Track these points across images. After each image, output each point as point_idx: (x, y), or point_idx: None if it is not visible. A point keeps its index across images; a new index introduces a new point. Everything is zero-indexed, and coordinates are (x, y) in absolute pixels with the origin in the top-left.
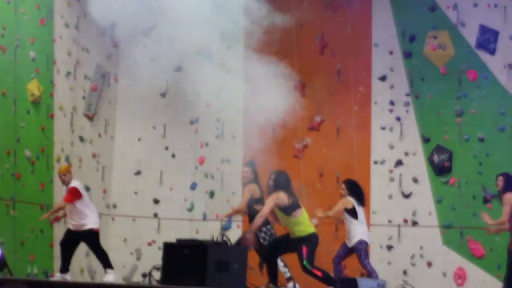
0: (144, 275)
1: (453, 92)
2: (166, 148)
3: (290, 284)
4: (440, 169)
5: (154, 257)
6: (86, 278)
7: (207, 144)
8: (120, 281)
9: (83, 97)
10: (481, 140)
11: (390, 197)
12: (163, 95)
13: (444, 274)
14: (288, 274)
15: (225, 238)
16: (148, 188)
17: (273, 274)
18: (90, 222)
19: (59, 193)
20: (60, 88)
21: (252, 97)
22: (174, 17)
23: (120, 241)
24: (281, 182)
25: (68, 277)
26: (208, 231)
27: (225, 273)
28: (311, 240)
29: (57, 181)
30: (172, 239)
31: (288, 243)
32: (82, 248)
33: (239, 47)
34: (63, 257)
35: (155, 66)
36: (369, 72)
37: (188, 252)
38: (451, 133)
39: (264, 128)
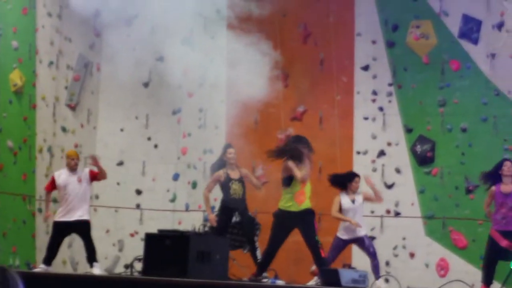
0: (126, 266)
1: (436, 82)
2: (149, 139)
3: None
4: (423, 159)
5: (136, 248)
6: (68, 270)
7: (189, 135)
8: (102, 272)
9: (66, 87)
10: (464, 130)
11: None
12: (145, 85)
13: (427, 265)
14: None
15: (206, 229)
16: (130, 179)
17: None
18: (86, 212)
19: (42, 183)
20: (42, 78)
21: (235, 87)
22: (156, 6)
23: (102, 232)
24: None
25: (50, 268)
26: (190, 222)
27: (207, 263)
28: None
29: (39, 172)
30: (154, 230)
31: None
32: (64, 239)
33: (221, 36)
34: (54, 251)
35: (137, 55)
36: (352, 62)
37: (169, 242)
38: (434, 123)
39: (247, 118)
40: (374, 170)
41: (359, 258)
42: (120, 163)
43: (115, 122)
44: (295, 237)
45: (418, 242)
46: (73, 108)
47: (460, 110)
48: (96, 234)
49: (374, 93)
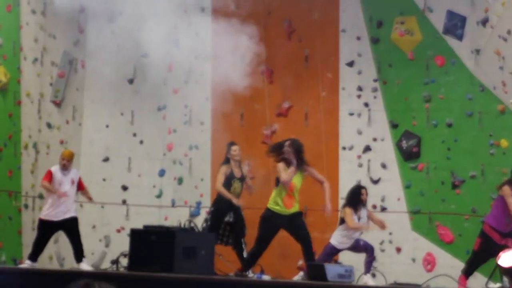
0: (113, 262)
1: (421, 77)
2: (134, 135)
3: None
4: (409, 154)
5: (123, 244)
6: (55, 265)
7: (175, 131)
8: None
9: (51, 84)
10: (449, 125)
11: (359, 183)
12: (130, 81)
13: (413, 260)
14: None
15: (192, 225)
16: (116, 175)
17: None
18: (73, 209)
19: (27, 180)
20: (27, 75)
21: (220, 83)
22: (140, 2)
23: (89, 227)
24: None
25: (36, 264)
26: (177, 218)
27: (192, 259)
28: None
29: (25, 168)
30: (141, 225)
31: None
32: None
33: (206, 33)
34: (41, 248)
35: (122, 52)
36: (337, 58)
37: (155, 238)
38: (419, 118)
39: (232, 114)
40: (360, 165)
41: (345, 254)
42: (106, 159)
43: (100, 119)
44: (281, 233)
45: (405, 237)
46: (58, 104)
47: (445, 106)
48: (82, 230)
49: (359, 89)
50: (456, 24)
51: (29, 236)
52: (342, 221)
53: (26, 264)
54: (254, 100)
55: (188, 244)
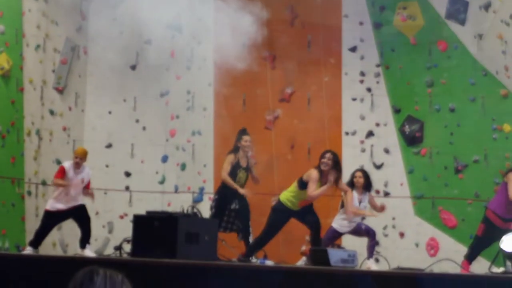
0: (116, 248)
1: (424, 62)
2: (137, 121)
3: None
4: (411, 139)
5: (126, 230)
6: (58, 252)
7: (177, 117)
8: (94, 254)
9: (53, 70)
10: (452, 110)
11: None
12: (133, 67)
13: (417, 245)
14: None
15: (195, 210)
16: (119, 161)
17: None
18: (80, 199)
19: (30, 166)
20: (29, 62)
21: (223, 69)
22: None
23: (92, 214)
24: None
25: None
26: (180, 204)
27: (195, 245)
28: None
29: (28, 155)
30: (144, 211)
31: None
32: None
33: (209, 18)
34: (43, 237)
35: (124, 38)
36: (340, 43)
37: (158, 224)
38: (422, 103)
39: (235, 99)
40: (363, 150)
41: (348, 239)
42: (109, 146)
43: (103, 105)
44: None
45: (408, 222)
46: (60, 91)
47: (448, 91)
48: None
49: (362, 74)
50: (458, 9)
51: (32, 223)
52: (343, 204)
53: (28, 250)
54: (257, 85)
55: (191, 230)
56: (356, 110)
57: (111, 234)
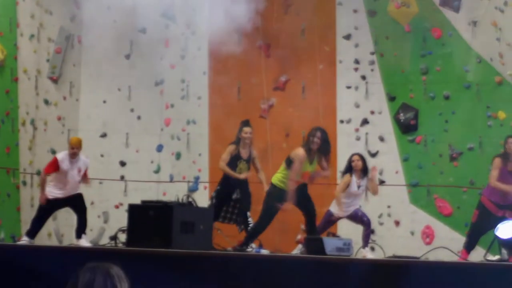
0: (111, 238)
1: (418, 50)
2: (132, 110)
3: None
4: (406, 127)
5: (121, 220)
6: (53, 242)
7: (172, 106)
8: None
9: (47, 60)
10: (447, 98)
11: None
12: (127, 56)
13: (412, 233)
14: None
15: (190, 199)
16: (114, 151)
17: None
18: (77, 188)
19: (25, 156)
20: (24, 51)
21: (217, 58)
22: None
23: (87, 204)
24: None
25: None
26: (175, 193)
27: (190, 234)
28: None
29: (22, 145)
30: (139, 201)
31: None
32: None
33: (203, 7)
34: (40, 226)
35: (118, 27)
36: (334, 31)
37: (153, 213)
38: (417, 91)
39: (229, 88)
40: (358, 138)
41: (343, 227)
42: (104, 135)
43: (97, 94)
44: None
45: (403, 210)
46: (55, 80)
47: (442, 78)
48: None
49: (356, 62)
50: None
51: (27, 213)
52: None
53: (24, 240)
54: (251, 74)
55: (186, 219)
56: (350, 98)
57: (107, 224)
